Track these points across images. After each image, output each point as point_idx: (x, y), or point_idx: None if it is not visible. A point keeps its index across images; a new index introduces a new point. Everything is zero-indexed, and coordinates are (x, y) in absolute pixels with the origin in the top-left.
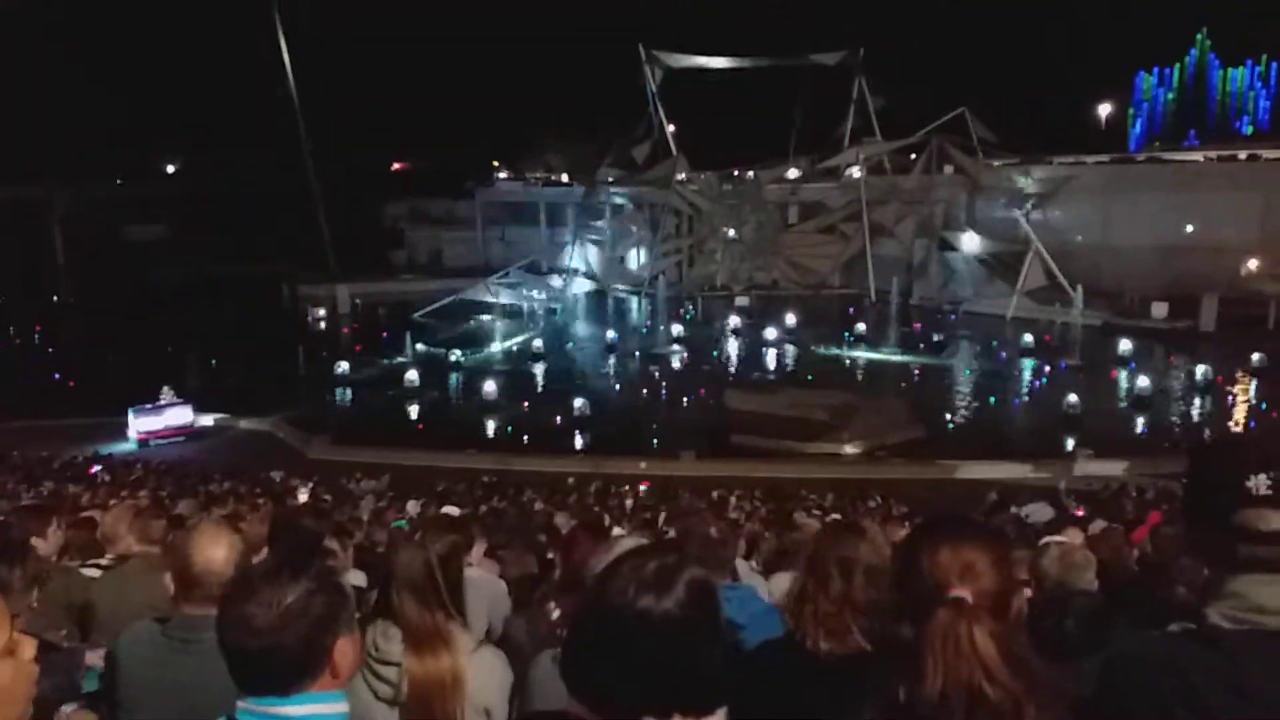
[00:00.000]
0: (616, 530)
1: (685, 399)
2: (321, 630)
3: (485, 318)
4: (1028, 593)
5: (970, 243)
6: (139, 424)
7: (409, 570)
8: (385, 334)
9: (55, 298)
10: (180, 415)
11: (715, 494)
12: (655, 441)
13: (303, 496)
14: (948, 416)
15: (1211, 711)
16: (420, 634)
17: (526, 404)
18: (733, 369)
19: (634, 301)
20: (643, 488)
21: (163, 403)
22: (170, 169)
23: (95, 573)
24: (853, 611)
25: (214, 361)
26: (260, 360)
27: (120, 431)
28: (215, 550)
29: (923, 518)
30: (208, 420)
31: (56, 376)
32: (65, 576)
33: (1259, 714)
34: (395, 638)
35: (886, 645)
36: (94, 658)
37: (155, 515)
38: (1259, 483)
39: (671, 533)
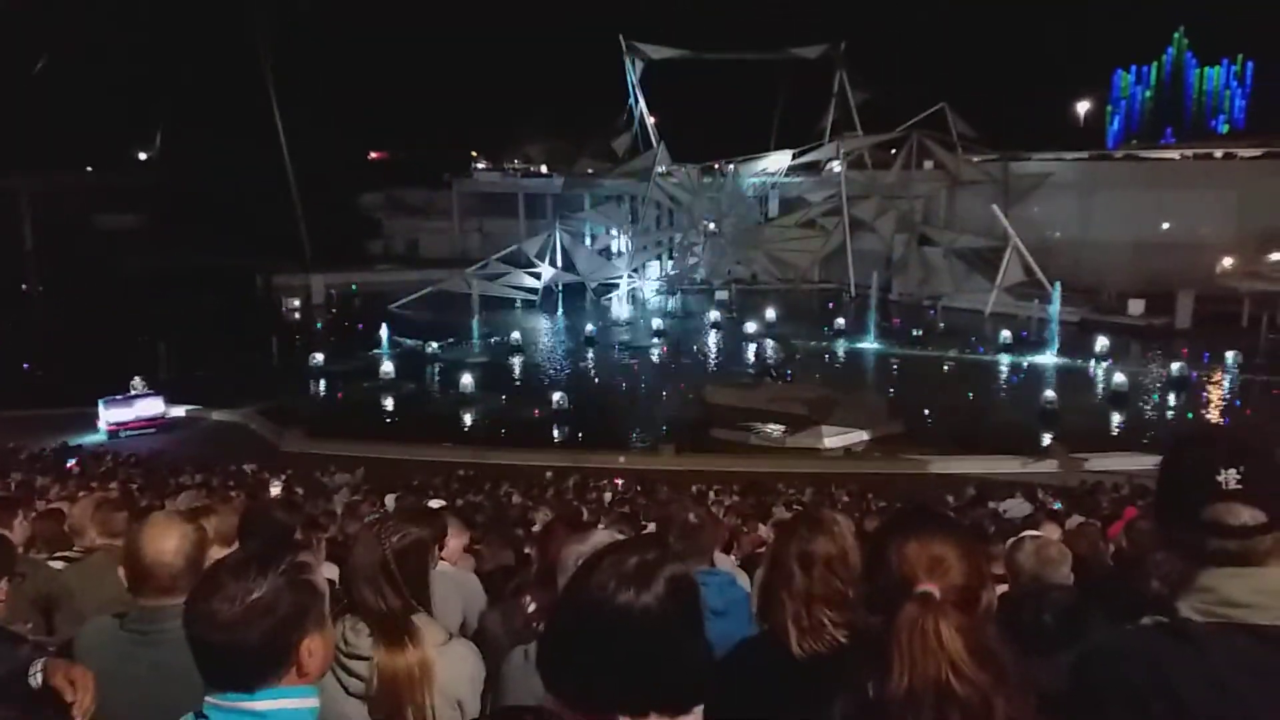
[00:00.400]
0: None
1: (664, 393)
2: (287, 628)
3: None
4: (1002, 587)
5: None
6: (109, 415)
7: (364, 564)
8: (360, 325)
9: (24, 286)
10: (151, 406)
11: (694, 488)
12: (634, 435)
13: (275, 490)
14: (926, 411)
15: (1183, 704)
16: (384, 628)
17: (504, 397)
18: (712, 363)
19: (615, 294)
20: (618, 482)
21: (133, 394)
22: (143, 156)
23: (62, 565)
24: (821, 606)
25: (185, 353)
26: (233, 351)
27: (90, 423)
28: (165, 542)
29: (894, 512)
30: (179, 411)
31: (25, 366)
32: (32, 568)
33: (1229, 706)
34: (364, 632)
35: (859, 640)
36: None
37: (117, 508)
38: (1228, 477)
39: (651, 526)
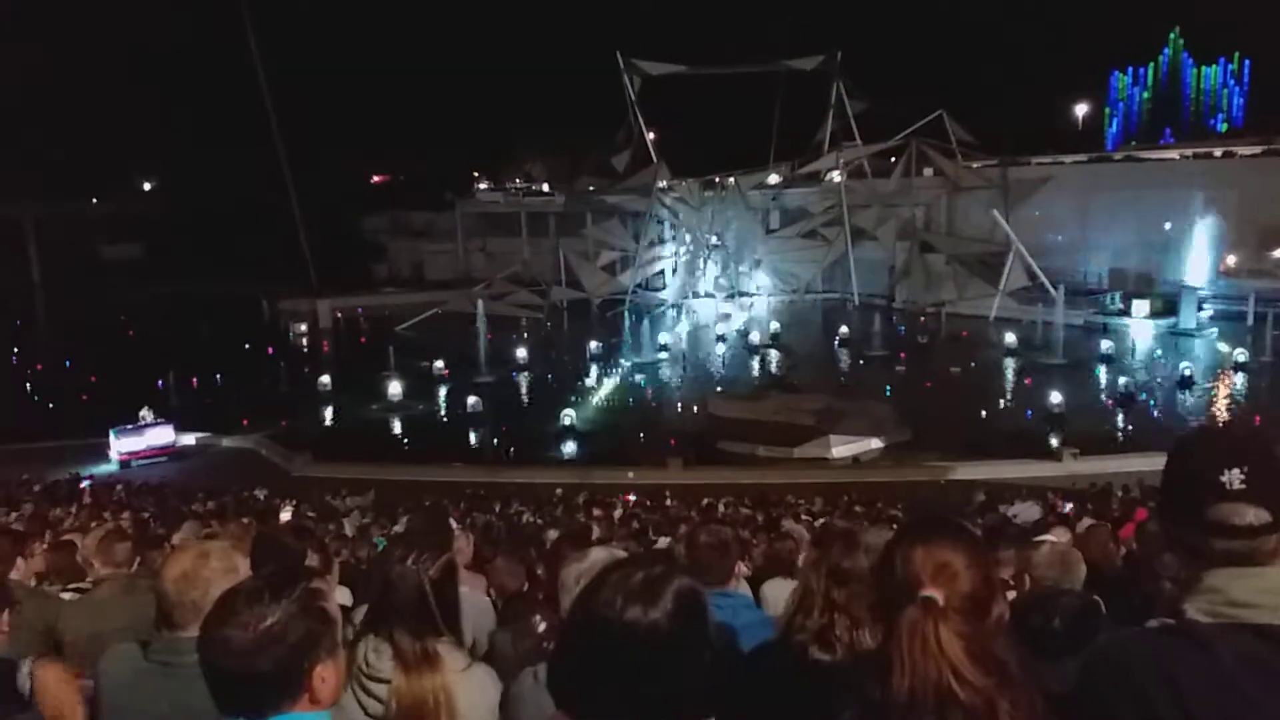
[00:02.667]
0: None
1: (672, 407)
2: (300, 655)
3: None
4: (1010, 593)
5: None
6: (120, 445)
7: (403, 594)
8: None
9: (32, 318)
10: (161, 435)
11: (704, 501)
12: (642, 450)
13: (286, 515)
14: (934, 418)
15: (1189, 705)
16: (409, 654)
17: (512, 417)
18: (719, 375)
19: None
20: (629, 499)
21: (143, 423)
22: (146, 186)
23: (73, 596)
24: (847, 621)
25: (194, 380)
26: (242, 378)
27: (101, 453)
28: (193, 573)
29: (908, 519)
30: (189, 439)
31: (35, 399)
32: (42, 600)
33: (1236, 706)
34: (386, 654)
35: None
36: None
37: (120, 538)
38: (1232, 477)
39: (660, 542)
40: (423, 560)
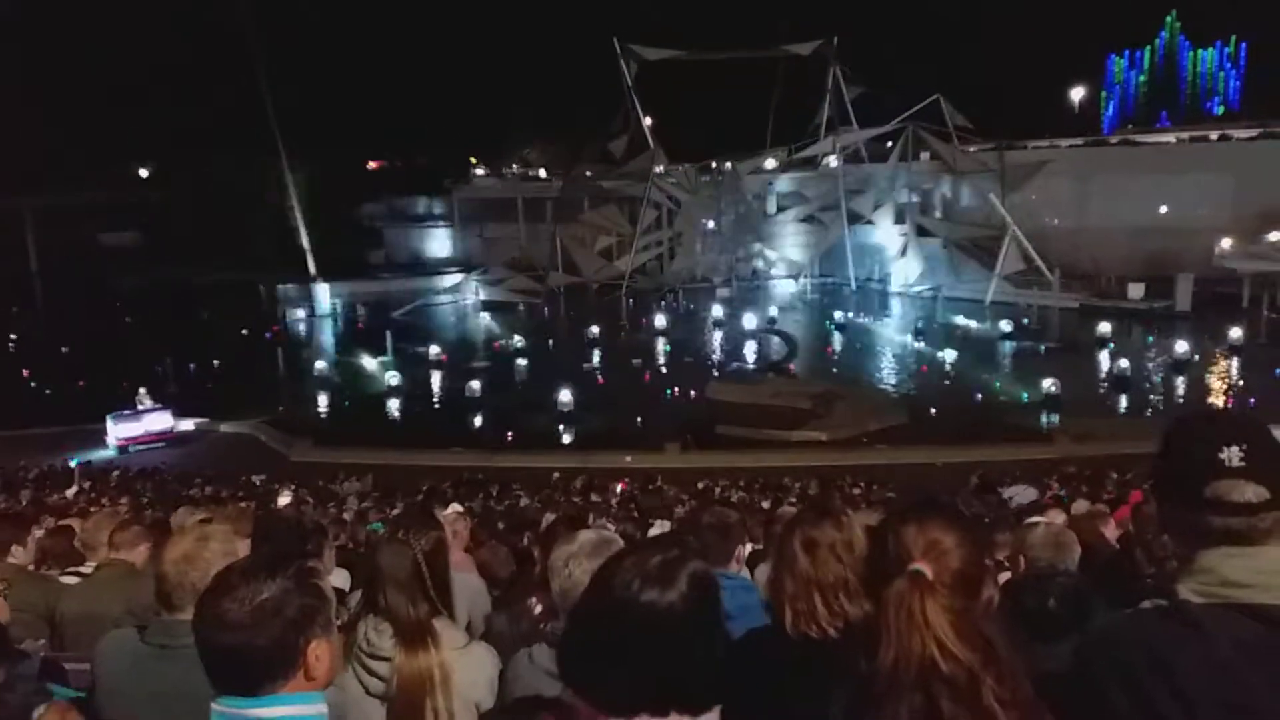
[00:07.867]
0: (607, 524)
1: (669, 391)
2: (295, 629)
3: None
4: (1004, 574)
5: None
6: (118, 430)
7: (395, 568)
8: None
9: (30, 305)
10: (160, 420)
11: (700, 485)
12: (640, 434)
13: (285, 499)
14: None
15: (1182, 687)
16: (408, 630)
17: (510, 400)
18: (716, 359)
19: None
20: (618, 488)
21: (141, 408)
22: (143, 173)
23: (73, 580)
24: (819, 591)
25: (192, 366)
26: (240, 363)
27: (99, 438)
28: (193, 556)
29: (904, 500)
30: (188, 425)
31: (32, 385)
32: (42, 585)
33: (1229, 687)
34: (387, 632)
35: (853, 629)
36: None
37: (126, 524)
38: (1231, 454)
39: (656, 525)
40: (414, 535)
